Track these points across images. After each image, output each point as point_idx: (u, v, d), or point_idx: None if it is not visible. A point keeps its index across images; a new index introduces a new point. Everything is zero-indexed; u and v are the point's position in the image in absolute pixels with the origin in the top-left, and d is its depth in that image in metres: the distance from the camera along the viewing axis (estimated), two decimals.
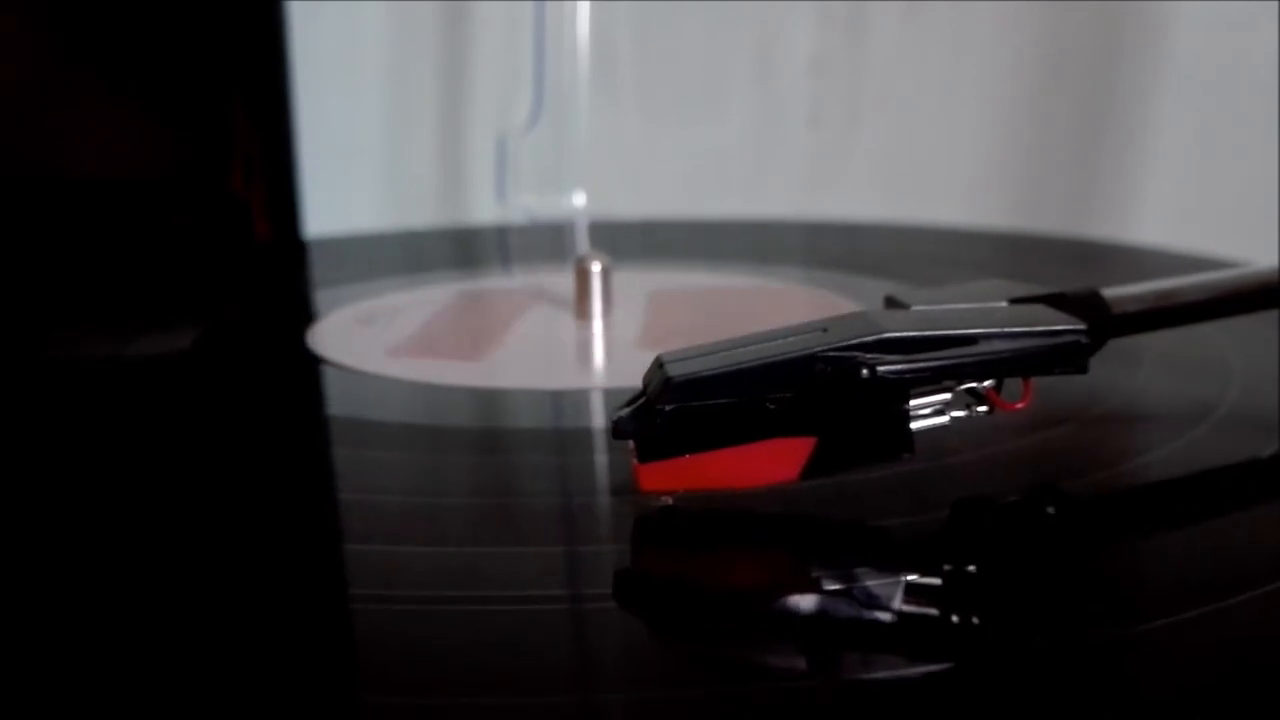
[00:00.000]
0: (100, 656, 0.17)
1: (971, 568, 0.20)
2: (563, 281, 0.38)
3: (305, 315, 0.40)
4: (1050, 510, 0.23)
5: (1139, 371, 0.31)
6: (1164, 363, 0.31)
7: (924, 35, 0.60)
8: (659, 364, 0.22)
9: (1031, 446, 0.26)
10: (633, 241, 0.51)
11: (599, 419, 0.28)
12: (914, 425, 0.22)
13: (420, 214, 0.61)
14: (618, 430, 0.21)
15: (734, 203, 0.61)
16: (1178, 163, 0.57)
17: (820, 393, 0.21)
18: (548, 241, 0.49)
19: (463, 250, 0.55)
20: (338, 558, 0.21)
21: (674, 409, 0.21)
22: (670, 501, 0.22)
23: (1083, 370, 0.22)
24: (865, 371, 0.21)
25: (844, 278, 0.43)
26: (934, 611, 0.19)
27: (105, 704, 0.16)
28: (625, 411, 0.21)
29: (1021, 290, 0.24)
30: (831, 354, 0.21)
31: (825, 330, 0.22)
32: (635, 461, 0.21)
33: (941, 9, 0.59)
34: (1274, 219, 0.50)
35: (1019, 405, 0.22)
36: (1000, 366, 0.22)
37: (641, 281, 0.41)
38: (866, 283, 0.41)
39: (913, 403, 0.21)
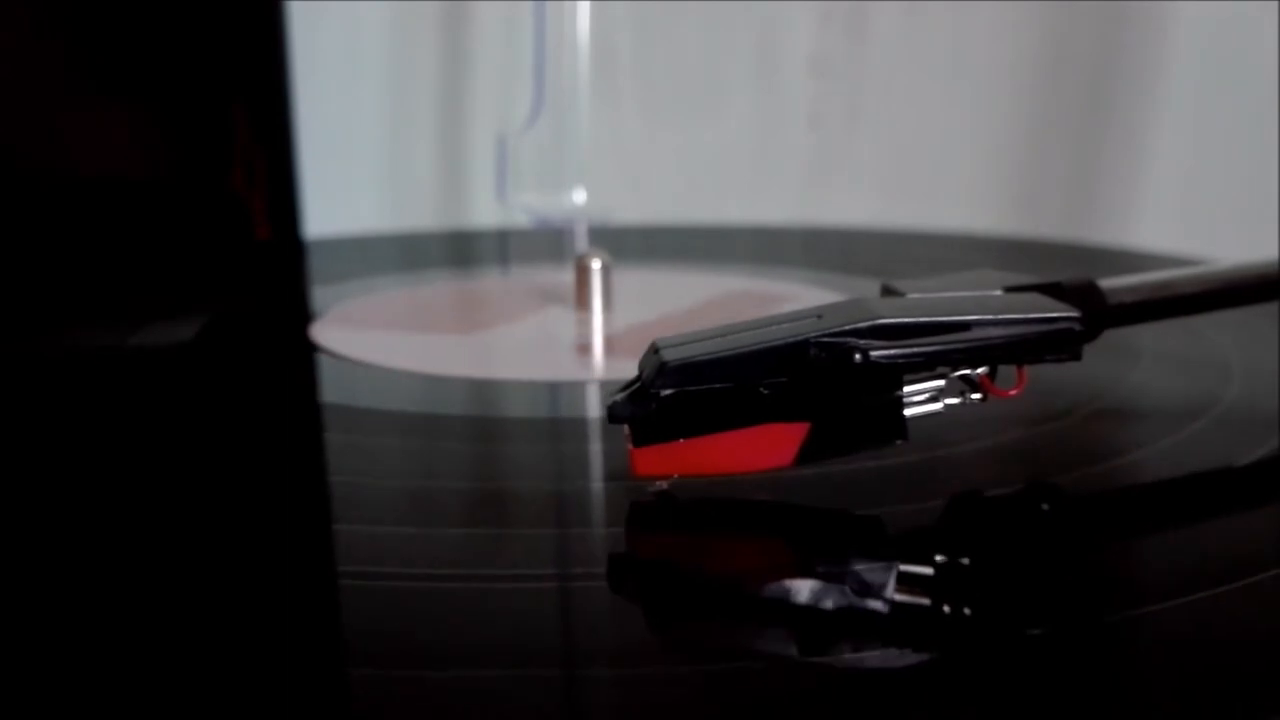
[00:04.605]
0: (100, 637, 0.17)
1: (965, 560, 0.20)
2: (563, 279, 0.38)
3: (306, 310, 0.40)
4: (1044, 506, 0.23)
5: (1138, 367, 0.31)
6: (1164, 358, 0.31)
7: (924, 35, 0.60)
8: (654, 349, 0.22)
9: (1028, 440, 0.26)
10: (633, 242, 0.51)
11: (595, 408, 0.28)
12: (908, 412, 0.22)
13: (420, 213, 0.61)
14: (613, 415, 0.21)
15: (733, 203, 0.61)
16: (1178, 164, 0.57)
17: (814, 378, 0.21)
18: (548, 240, 0.49)
19: (463, 248, 0.55)
20: (336, 543, 0.21)
21: (669, 394, 0.21)
22: (665, 486, 0.22)
23: (1076, 358, 0.22)
24: (858, 356, 0.21)
25: (843, 279, 0.43)
26: (926, 601, 0.19)
27: (106, 683, 0.16)
28: (620, 396, 0.21)
29: (1017, 279, 0.24)
30: (825, 339, 0.21)
31: (820, 316, 0.22)
32: (630, 446, 0.21)
33: (941, 9, 0.59)
34: (1274, 220, 0.50)
35: (1012, 392, 0.22)
36: (993, 353, 0.22)
37: (641, 280, 0.41)
38: (868, 285, 0.41)
39: (906, 389, 0.22)
